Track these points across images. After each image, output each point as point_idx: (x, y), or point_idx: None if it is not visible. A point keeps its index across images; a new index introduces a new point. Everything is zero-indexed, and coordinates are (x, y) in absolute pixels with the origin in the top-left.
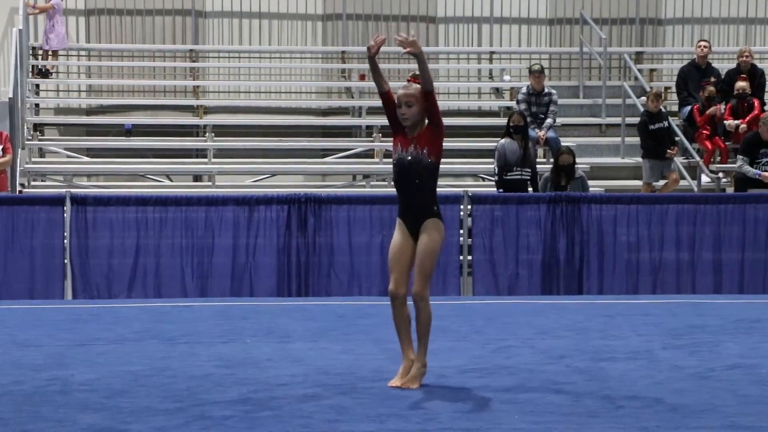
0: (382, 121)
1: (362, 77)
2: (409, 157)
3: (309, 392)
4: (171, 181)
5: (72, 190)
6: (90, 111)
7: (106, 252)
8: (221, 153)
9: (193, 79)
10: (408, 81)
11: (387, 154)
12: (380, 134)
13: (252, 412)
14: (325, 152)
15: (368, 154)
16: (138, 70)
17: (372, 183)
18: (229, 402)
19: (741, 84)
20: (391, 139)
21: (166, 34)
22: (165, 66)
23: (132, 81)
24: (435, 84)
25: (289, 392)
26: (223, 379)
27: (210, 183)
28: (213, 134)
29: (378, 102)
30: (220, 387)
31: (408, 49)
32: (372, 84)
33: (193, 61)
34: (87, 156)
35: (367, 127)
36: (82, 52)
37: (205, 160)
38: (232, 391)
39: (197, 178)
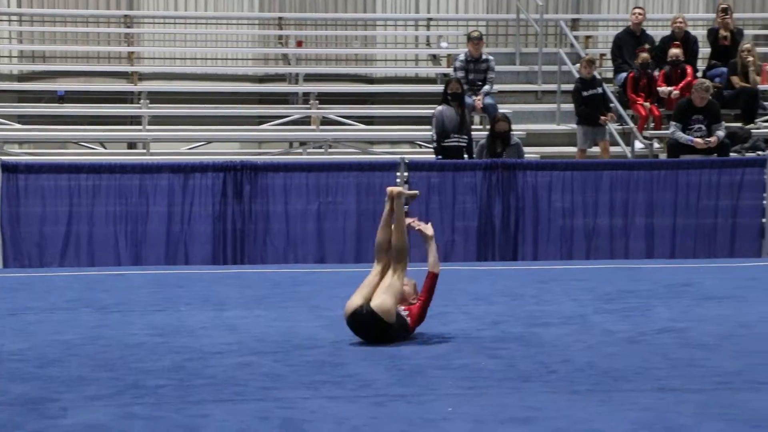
0: (320, 87)
1: (299, 44)
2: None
3: (244, 360)
4: (105, 148)
5: (3, 157)
6: (22, 77)
7: (38, 220)
8: (156, 120)
9: (128, 45)
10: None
11: (324, 121)
12: (317, 101)
13: (186, 381)
14: (261, 119)
15: (305, 121)
16: (71, 36)
17: (308, 150)
18: (163, 370)
19: (674, 51)
20: (328, 105)
21: None
22: (99, 31)
23: (65, 47)
24: (372, 50)
25: (223, 360)
26: (157, 348)
27: (144, 150)
28: (148, 101)
29: (316, 69)
30: (154, 355)
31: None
32: (310, 51)
33: (128, 27)
34: (18, 123)
35: (304, 94)
36: (14, 17)
37: (140, 127)
38: (165, 359)
39: (131, 145)
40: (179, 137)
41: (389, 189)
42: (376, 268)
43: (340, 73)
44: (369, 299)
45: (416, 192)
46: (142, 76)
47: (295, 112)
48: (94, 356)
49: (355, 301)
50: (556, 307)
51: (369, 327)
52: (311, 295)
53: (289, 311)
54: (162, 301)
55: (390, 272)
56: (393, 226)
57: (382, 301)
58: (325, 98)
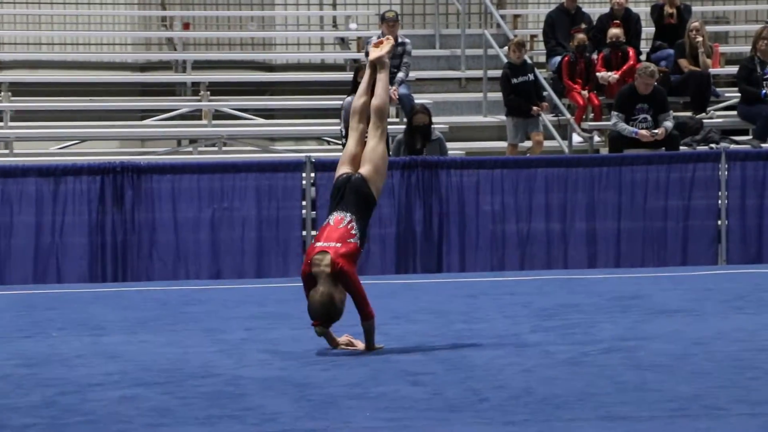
0: (210, 76)
1: (186, 26)
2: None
3: (128, 393)
4: None
5: None
6: None
7: None
8: (20, 115)
9: None
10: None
11: (217, 116)
12: (208, 92)
13: (59, 419)
14: (144, 114)
15: (194, 115)
16: None
17: (199, 149)
18: (32, 407)
19: (614, 31)
20: (220, 97)
21: None
22: None
23: None
24: (270, 33)
25: (104, 394)
26: (25, 380)
27: (7, 151)
28: (9, 93)
29: (206, 55)
30: (21, 390)
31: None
32: (199, 34)
33: None
34: None
35: (193, 84)
36: None
37: (1, 123)
38: (35, 393)
39: None
40: (48, 135)
41: (371, 58)
42: (353, 137)
43: (234, 59)
44: (357, 168)
45: (391, 43)
46: (3, 65)
47: (183, 104)
48: None
49: (344, 170)
50: (487, 326)
51: (358, 194)
52: (205, 317)
53: (179, 335)
54: (30, 325)
55: (370, 137)
56: (376, 88)
57: (371, 169)
58: (218, 89)
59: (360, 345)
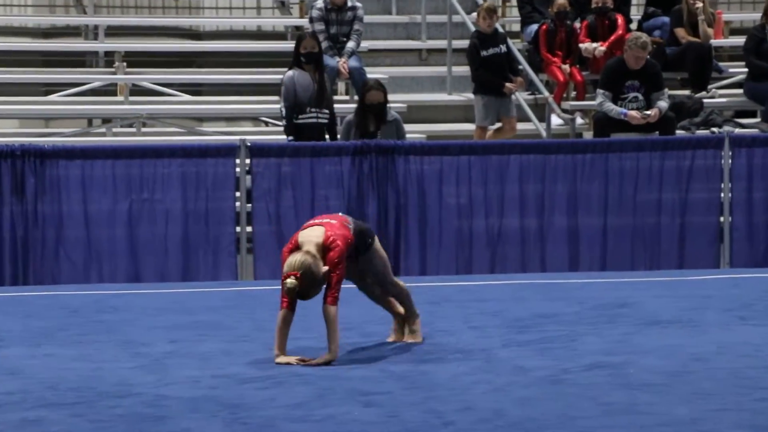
0: (126, 45)
1: None
2: None
3: (30, 415)
4: None
5: None
6: None
7: None
8: None
9: None
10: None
11: (134, 91)
12: (124, 63)
13: None
14: (48, 88)
15: (108, 90)
16: None
17: (115, 130)
18: None
19: None
20: (139, 69)
21: None
22: None
23: None
24: None
25: (2, 416)
26: None
27: None
28: None
29: (121, 20)
30: None
31: None
32: None
33: None
34: None
35: (107, 53)
36: None
37: None
38: None
39: None
40: None
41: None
42: None
43: (154, 25)
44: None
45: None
46: None
47: (95, 77)
48: None
49: None
50: (452, 338)
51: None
52: (122, 326)
53: (92, 348)
54: None
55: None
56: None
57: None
58: (136, 59)
59: (314, 361)
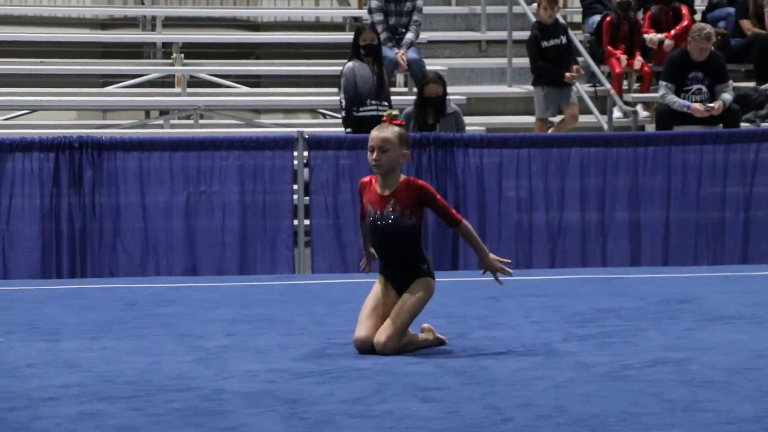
0: (184, 36)
1: None
2: (387, 221)
3: (87, 409)
4: None
5: None
6: None
7: None
8: None
9: None
10: (382, 121)
11: (192, 83)
12: (182, 55)
13: None
14: (105, 79)
15: (166, 81)
16: None
17: (172, 122)
18: None
19: None
20: (197, 60)
21: None
22: None
23: None
24: None
25: (59, 409)
26: None
27: None
28: None
29: (179, 11)
30: None
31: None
32: None
33: None
34: None
35: (165, 44)
36: None
37: None
38: None
39: None
40: None
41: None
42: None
43: (212, 16)
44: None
45: None
46: None
47: (153, 69)
48: None
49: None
50: (512, 333)
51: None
52: (179, 320)
53: (149, 341)
54: None
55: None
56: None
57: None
58: (193, 51)
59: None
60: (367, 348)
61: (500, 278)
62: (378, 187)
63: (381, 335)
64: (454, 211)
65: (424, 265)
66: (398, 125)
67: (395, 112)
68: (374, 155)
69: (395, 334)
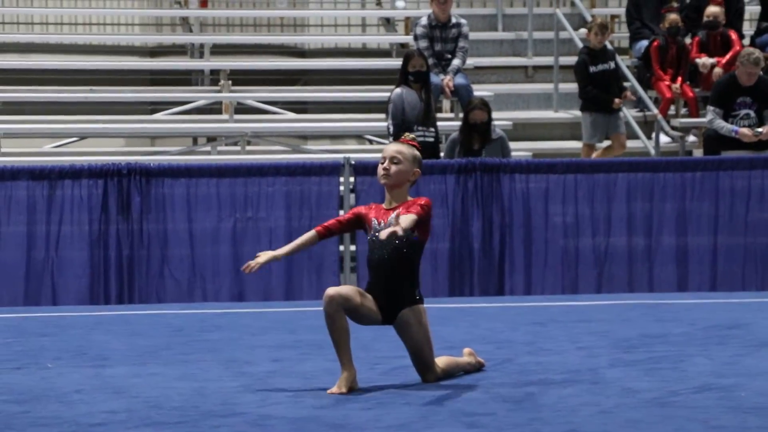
0: (231, 63)
1: (203, 4)
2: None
3: None
4: None
5: None
6: None
7: None
8: (9, 108)
9: None
10: (401, 141)
11: (239, 109)
12: (229, 82)
13: None
14: (154, 106)
15: (214, 108)
16: None
17: (219, 148)
18: None
19: (713, 9)
20: (244, 87)
21: None
22: None
23: None
24: (304, 12)
25: None
26: (15, 419)
27: None
28: None
29: (227, 38)
30: (11, 430)
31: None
32: (218, 13)
33: None
34: None
35: (212, 72)
36: None
37: None
38: None
39: None
40: (40, 131)
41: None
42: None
43: (260, 43)
44: None
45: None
46: None
47: (200, 96)
48: None
49: None
50: (558, 358)
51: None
52: (226, 345)
53: (196, 367)
54: (20, 355)
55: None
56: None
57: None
58: (241, 77)
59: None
60: (333, 304)
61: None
62: (384, 203)
63: (421, 374)
64: (417, 226)
65: (416, 291)
66: (415, 146)
67: (413, 135)
68: (384, 164)
69: (430, 369)
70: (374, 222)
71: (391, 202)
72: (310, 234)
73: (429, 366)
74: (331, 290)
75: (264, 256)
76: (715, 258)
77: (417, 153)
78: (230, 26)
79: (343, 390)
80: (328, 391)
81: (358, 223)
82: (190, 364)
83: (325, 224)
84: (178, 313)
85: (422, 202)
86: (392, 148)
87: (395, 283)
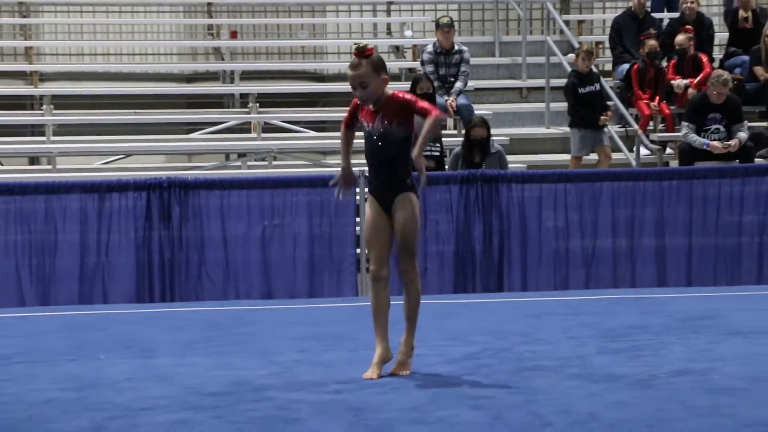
0: (259, 87)
1: (234, 34)
2: (379, 132)
3: (177, 417)
4: (1, 164)
5: None
6: None
7: None
8: (62, 129)
9: (25, 39)
10: (353, 54)
11: (266, 128)
12: (257, 104)
13: None
14: (190, 127)
15: (243, 128)
16: None
17: (249, 163)
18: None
19: (680, 38)
20: (270, 109)
21: None
22: None
23: None
24: (322, 41)
25: (153, 418)
26: (72, 405)
27: (50, 166)
28: (52, 106)
29: (255, 65)
30: (68, 414)
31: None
32: (247, 43)
33: (24, 17)
34: None
35: (242, 95)
36: None
37: (43, 138)
38: (82, 418)
39: (33, 160)
40: (91, 149)
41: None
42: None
43: (284, 69)
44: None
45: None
46: (44, 77)
47: (231, 117)
48: None
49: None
50: (551, 347)
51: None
52: (257, 337)
53: (230, 357)
54: (76, 348)
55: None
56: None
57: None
58: (267, 100)
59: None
60: (381, 279)
61: (421, 182)
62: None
63: (403, 263)
64: (431, 110)
65: (408, 180)
66: (368, 55)
67: (363, 44)
68: (357, 93)
69: (413, 260)
70: (365, 124)
71: (375, 105)
72: (344, 136)
73: (412, 252)
74: (372, 268)
75: (342, 180)
76: (690, 257)
77: (374, 60)
78: (257, 54)
79: (373, 376)
80: (363, 375)
81: (355, 113)
82: (225, 355)
83: (344, 122)
84: (214, 310)
85: (403, 99)
86: (354, 74)
87: (390, 175)
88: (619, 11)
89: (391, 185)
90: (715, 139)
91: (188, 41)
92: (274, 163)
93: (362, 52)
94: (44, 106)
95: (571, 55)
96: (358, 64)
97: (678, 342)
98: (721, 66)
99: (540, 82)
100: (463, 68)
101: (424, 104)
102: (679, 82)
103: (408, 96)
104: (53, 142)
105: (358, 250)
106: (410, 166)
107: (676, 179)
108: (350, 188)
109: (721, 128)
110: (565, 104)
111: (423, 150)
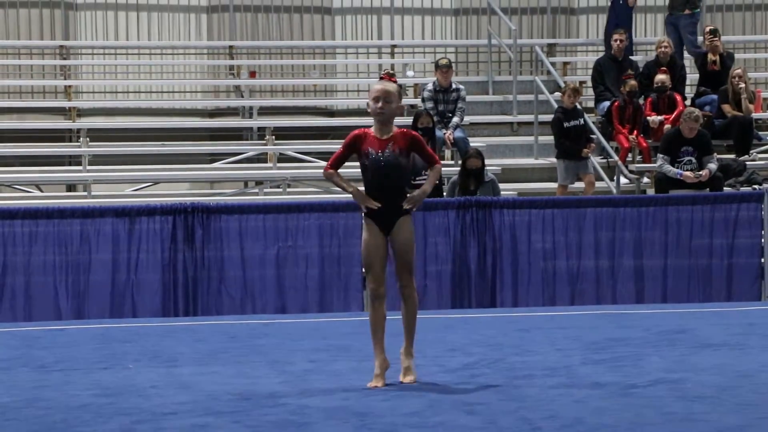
0: (275, 122)
1: (252, 74)
2: (387, 158)
3: (199, 421)
4: (41, 191)
5: None
6: None
7: None
8: (97, 159)
9: (65, 78)
10: (381, 78)
11: (281, 158)
12: (273, 136)
13: None
14: (213, 157)
15: (260, 158)
16: (2, 69)
17: (265, 190)
18: None
19: (661, 77)
20: (285, 141)
21: (33, 29)
22: (33, 63)
23: None
24: (333, 80)
25: (176, 422)
26: (103, 409)
27: (85, 193)
28: (88, 139)
29: (271, 102)
30: (100, 418)
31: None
32: (264, 82)
33: (64, 59)
34: None
35: (259, 129)
36: None
37: (80, 167)
38: (113, 422)
39: (71, 187)
40: (123, 178)
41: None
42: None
43: (297, 105)
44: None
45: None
46: (81, 112)
47: (250, 148)
48: (33, 420)
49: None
50: (539, 358)
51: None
52: (271, 349)
53: (247, 366)
54: (107, 357)
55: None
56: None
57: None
58: (282, 133)
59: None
60: (380, 296)
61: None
62: (377, 134)
63: (403, 281)
64: (436, 157)
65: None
66: (395, 82)
67: (392, 72)
68: (379, 104)
69: (412, 277)
70: (370, 151)
71: (383, 135)
72: (334, 174)
73: (410, 270)
74: (372, 286)
75: (361, 197)
76: (666, 276)
77: (399, 89)
78: (274, 92)
79: (378, 384)
80: (368, 385)
81: (355, 145)
82: (243, 365)
83: (333, 158)
84: (233, 323)
85: (414, 136)
86: (383, 88)
87: (391, 199)
88: (600, 54)
89: (393, 209)
90: (687, 170)
91: (211, 80)
92: (288, 190)
93: (391, 77)
94: (81, 139)
95: (558, 93)
96: (387, 83)
97: (655, 354)
98: (693, 104)
99: (529, 117)
100: (459, 105)
101: (431, 150)
102: (654, 118)
103: (419, 136)
104: (89, 171)
105: (363, 270)
106: (406, 193)
107: (653, 206)
108: (371, 200)
109: (693, 160)
110: (552, 137)
111: (423, 197)
